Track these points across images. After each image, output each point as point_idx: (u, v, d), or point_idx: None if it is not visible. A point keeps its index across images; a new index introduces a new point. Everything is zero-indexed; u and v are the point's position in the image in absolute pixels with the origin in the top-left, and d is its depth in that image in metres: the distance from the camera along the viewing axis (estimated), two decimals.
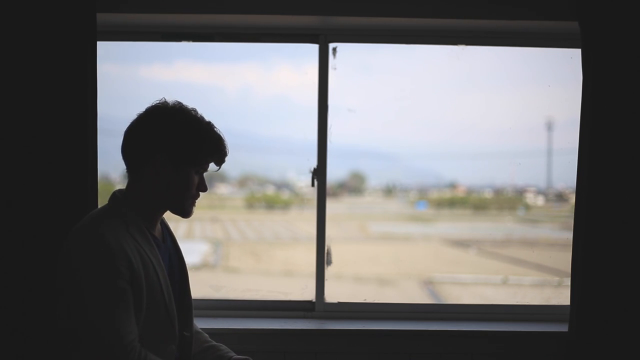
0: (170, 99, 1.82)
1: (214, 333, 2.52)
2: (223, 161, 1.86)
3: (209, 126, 1.82)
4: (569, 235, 2.55)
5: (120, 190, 1.83)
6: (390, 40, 2.78)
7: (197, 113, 1.81)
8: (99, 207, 1.86)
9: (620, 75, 2.44)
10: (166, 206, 1.82)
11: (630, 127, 2.45)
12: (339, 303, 2.78)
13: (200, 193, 1.86)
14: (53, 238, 2.32)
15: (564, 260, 2.67)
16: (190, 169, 1.79)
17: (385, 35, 2.76)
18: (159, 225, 1.87)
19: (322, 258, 2.75)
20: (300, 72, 2.89)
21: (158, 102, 1.81)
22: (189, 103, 1.84)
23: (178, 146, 1.75)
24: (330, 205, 2.76)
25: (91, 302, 1.61)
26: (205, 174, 1.86)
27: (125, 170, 1.82)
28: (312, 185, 2.76)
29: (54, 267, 2.25)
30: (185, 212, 1.84)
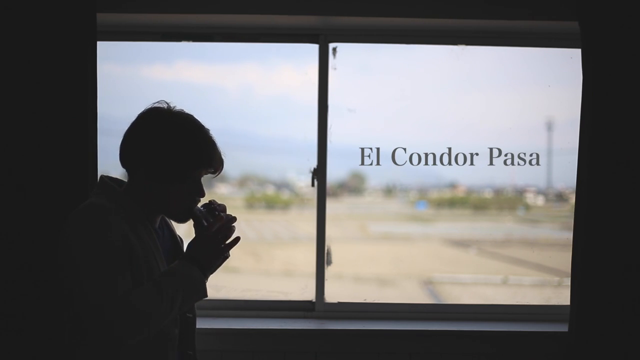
0: (169, 101, 1.72)
1: (214, 333, 2.53)
2: (218, 170, 1.73)
3: (199, 136, 1.68)
4: (569, 235, 2.55)
5: (109, 177, 1.76)
6: (390, 40, 2.78)
7: (188, 121, 1.68)
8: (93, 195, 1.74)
9: (620, 75, 2.44)
10: (159, 213, 1.77)
11: (630, 127, 2.45)
12: (339, 303, 2.78)
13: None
14: (53, 238, 2.32)
15: (564, 260, 2.67)
16: (175, 184, 1.67)
17: (385, 35, 2.76)
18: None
19: (322, 258, 2.75)
20: (300, 72, 2.88)
21: (150, 106, 1.71)
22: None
23: (156, 165, 1.65)
24: (330, 205, 2.76)
25: (89, 266, 1.55)
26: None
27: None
28: (312, 185, 2.76)
29: (54, 267, 2.25)
30: (178, 220, 1.76)
